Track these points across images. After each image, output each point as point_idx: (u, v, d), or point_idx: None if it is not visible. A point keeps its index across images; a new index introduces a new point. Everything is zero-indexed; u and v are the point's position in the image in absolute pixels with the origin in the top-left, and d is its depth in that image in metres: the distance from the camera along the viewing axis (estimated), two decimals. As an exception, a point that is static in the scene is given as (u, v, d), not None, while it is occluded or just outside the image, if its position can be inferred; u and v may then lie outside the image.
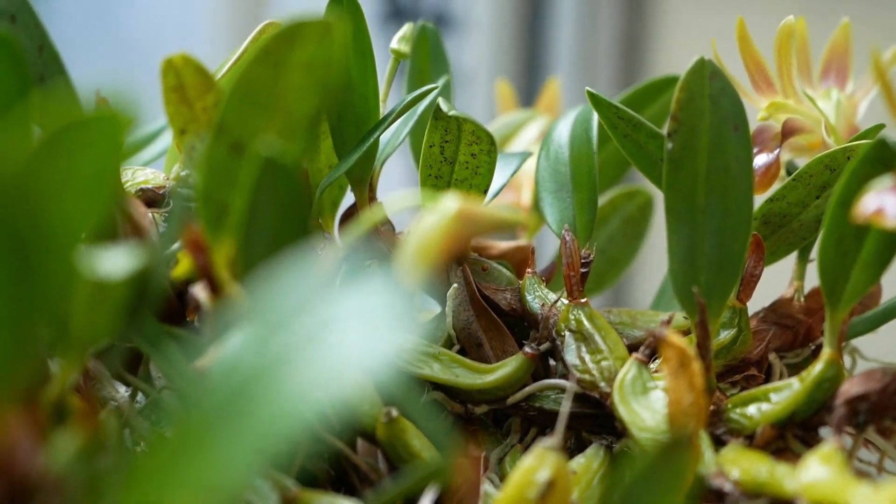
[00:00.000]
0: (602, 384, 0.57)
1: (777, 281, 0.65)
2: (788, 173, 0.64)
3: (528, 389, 0.59)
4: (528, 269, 0.62)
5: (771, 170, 0.63)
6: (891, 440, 0.55)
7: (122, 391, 0.57)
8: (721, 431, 0.55)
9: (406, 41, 0.67)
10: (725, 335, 0.59)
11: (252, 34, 0.62)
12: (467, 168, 0.61)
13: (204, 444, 0.33)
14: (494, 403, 0.59)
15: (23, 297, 0.33)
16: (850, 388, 0.53)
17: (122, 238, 0.56)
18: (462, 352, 0.61)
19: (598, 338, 0.58)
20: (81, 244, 0.37)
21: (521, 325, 0.63)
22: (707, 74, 0.56)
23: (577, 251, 0.60)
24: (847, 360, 0.65)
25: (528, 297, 0.61)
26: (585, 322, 0.59)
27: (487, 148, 0.61)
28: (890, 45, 0.66)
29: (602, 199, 0.78)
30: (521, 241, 0.71)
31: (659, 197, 0.63)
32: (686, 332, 0.59)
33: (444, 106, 0.59)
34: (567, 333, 0.59)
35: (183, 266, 0.56)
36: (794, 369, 0.62)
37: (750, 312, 0.61)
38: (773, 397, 0.55)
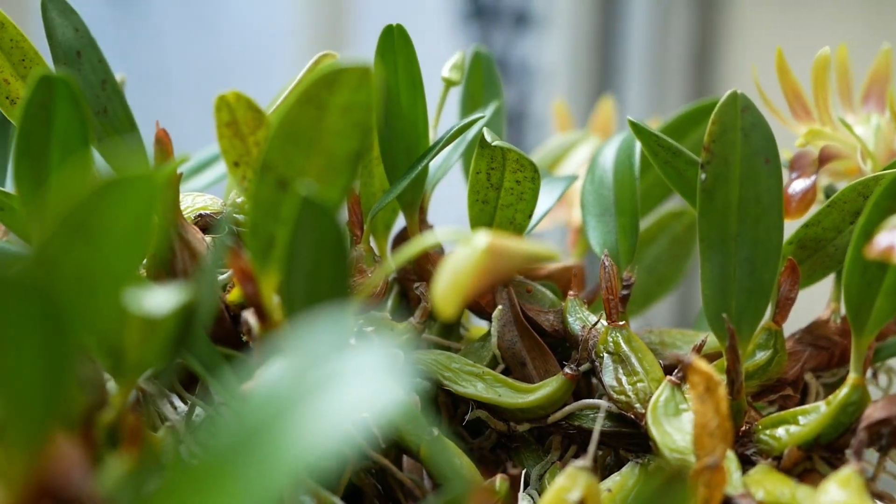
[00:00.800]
0: (637, 405, 0.59)
1: (815, 303, 0.67)
2: (827, 197, 0.66)
3: (567, 409, 0.61)
4: (571, 292, 0.65)
5: (808, 195, 0.65)
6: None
7: (182, 409, 0.60)
8: (751, 452, 0.57)
9: (457, 69, 0.70)
10: (761, 356, 0.61)
11: (308, 65, 0.64)
12: (512, 194, 0.64)
13: (238, 464, 0.35)
14: (536, 422, 0.62)
15: (59, 331, 0.35)
16: (873, 412, 0.55)
17: (178, 261, 0.59)
18: (506, 371, 0.64)
19: (634, 360, 0.60)
20: (128, 283, 0.40)
21: (564, 345, 0.65)
22: (739, 108, 0.58)
23: (615, 276, 0.63)
24: (884, 380, 0.66)
25: (570, 319, 0.64)
26: (623, 344, 0.61)
27: (531, 175, 0.63)
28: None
29: (650, 219, 0.80)
30: (570, 262, 0.73)
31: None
32: (720, 355, 0.60)
33: (488, 136, 0.62)
34: (605, 355, 0.61)
35: (236, 292, 0.59)
36: (831, 388, 0.64)
37: (787, 333, 0.63)
38: (801, 420, 0.57)
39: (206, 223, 0.63)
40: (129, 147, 0.58)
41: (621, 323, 0.62)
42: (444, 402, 0.64)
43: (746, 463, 0.57)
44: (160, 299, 0.43)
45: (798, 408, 0.58)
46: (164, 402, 0.59)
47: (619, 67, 2.12)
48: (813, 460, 0.57)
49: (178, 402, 0.59)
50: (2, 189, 0.59)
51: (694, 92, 2.03)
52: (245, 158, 0.56)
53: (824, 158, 0.65)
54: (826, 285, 0.67)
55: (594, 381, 0.65)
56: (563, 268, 0.71)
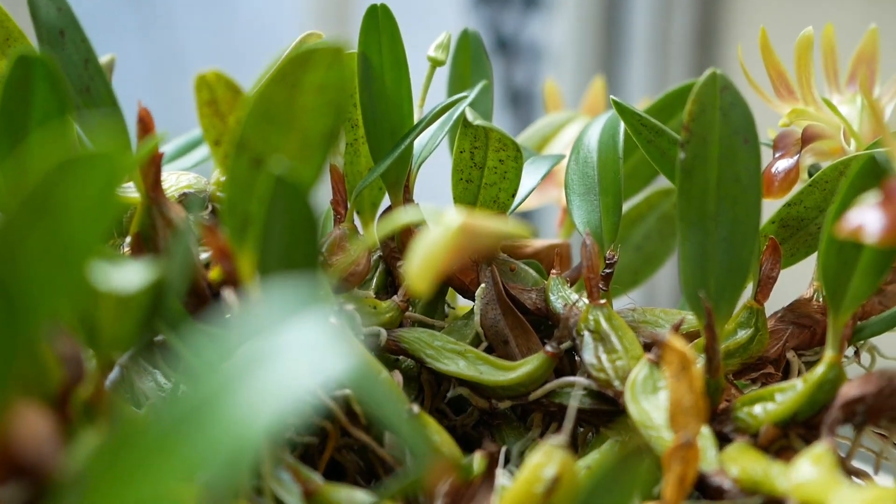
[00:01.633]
0: (616, 383, 0.59)
1: (799, 282, 0.67)
2: (810, 176, 0.66)
3: (548, 386, 0.61)
4: (553, 271, 0.65)
5: (791, 175, 0.65)
6: (888, 441, 0.57)
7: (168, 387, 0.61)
8: (729, 429, 0.58)
9: (442, 49, 0.70)
10: (742, 334, 0.62)
11: (293, 44, 0.65)
12: (496, 173, 0.64)
13: (180, 436, 0.36)
14: (517, 399, 0.62)
15: (10, 307, 0.36)
16: (848, 390, 0.55)
17: (161, 239, 0.60)
18: (489, 349, 0.64)
19: (614, 338, 0.61)
20: (92, 259, 0.40)
21: (547, 323, 0.65)
22: (719, 87, 0.58)
23: (596, 255, 0.63)
24: (866, 359, 0.67)
25: (552, 298, 0.64)
26: (603, 323, 0.61)
27: (514, 154, 0.63)
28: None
29: (638, 198, 0.81)
30: (555, 240, 0.74)
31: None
32: (699, 334, 0.61)
33: (470, 116, 0.62)
34: (586, 333, 0.61)
35: (217, 270, 0.59)
36: (814, 367, 0.64)
37: (769, 312, 0.63)
38: (778, 397, 0.57)
39: (190, 201, 0.64)
40: (109, 125, 0.58)
41: (602, 301, 0.62)
42: (427, 380, 0.64)
43: (725, 440, 0.57)
44: (130, 275, 0.44)
45: (775, 385, 0.58)
46: (148, 379, 0.59)
47: (626, 48, 2.12)
48: (790, 438, 0.57)
49: (162, 380, 0.60)
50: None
51: (699, 72, 2.02)
52: (225, 137, 0.57)
53: (807, 138, 0.65)
54: (809, 264, 0.67)
55: (578, 359, 0.65)
56: (548, 246, 0.72)
